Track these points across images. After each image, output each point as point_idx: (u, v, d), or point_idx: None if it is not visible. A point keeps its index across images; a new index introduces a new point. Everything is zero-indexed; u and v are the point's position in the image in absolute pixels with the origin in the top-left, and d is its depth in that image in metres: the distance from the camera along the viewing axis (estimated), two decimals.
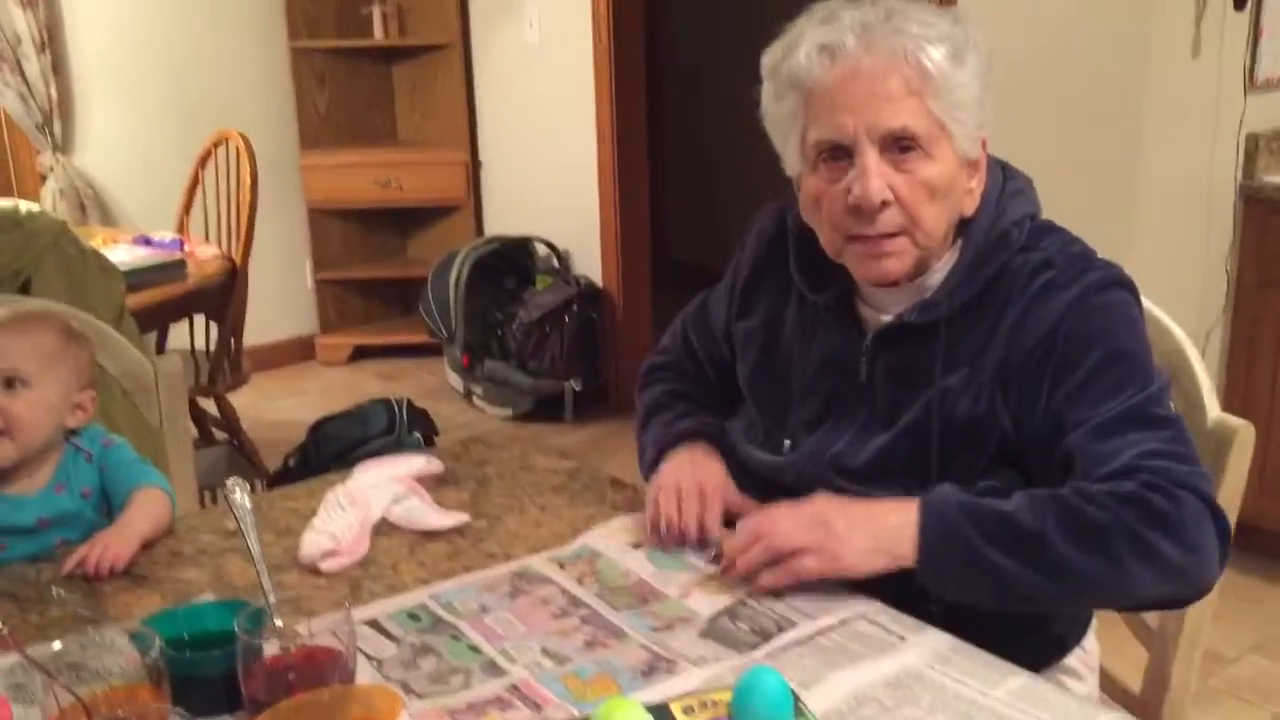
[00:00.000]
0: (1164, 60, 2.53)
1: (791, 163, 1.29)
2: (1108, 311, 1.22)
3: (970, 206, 1.26)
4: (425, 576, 1.28)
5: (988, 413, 1.22)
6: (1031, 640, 1.28)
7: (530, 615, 1.17)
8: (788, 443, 1.34)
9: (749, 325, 1.42)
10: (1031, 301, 1.22)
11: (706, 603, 1.18)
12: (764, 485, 1.35)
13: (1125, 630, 1.47)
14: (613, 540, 1.32)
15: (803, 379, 1.34)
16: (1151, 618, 1.43)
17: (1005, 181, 1.31)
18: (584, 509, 1.43)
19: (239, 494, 1.13)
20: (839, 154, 1.22)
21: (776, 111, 1.27)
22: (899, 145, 1.19)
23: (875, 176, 1.19)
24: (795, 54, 1.22)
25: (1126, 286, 1.25)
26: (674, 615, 1.16)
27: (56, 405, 1.41)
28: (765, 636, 1.12)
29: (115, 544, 1.31)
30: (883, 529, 1.17)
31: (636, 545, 1.31)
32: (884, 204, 1.20)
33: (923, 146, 1.20)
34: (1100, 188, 2.62)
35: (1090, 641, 1.40)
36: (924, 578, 1.17)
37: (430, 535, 1.38)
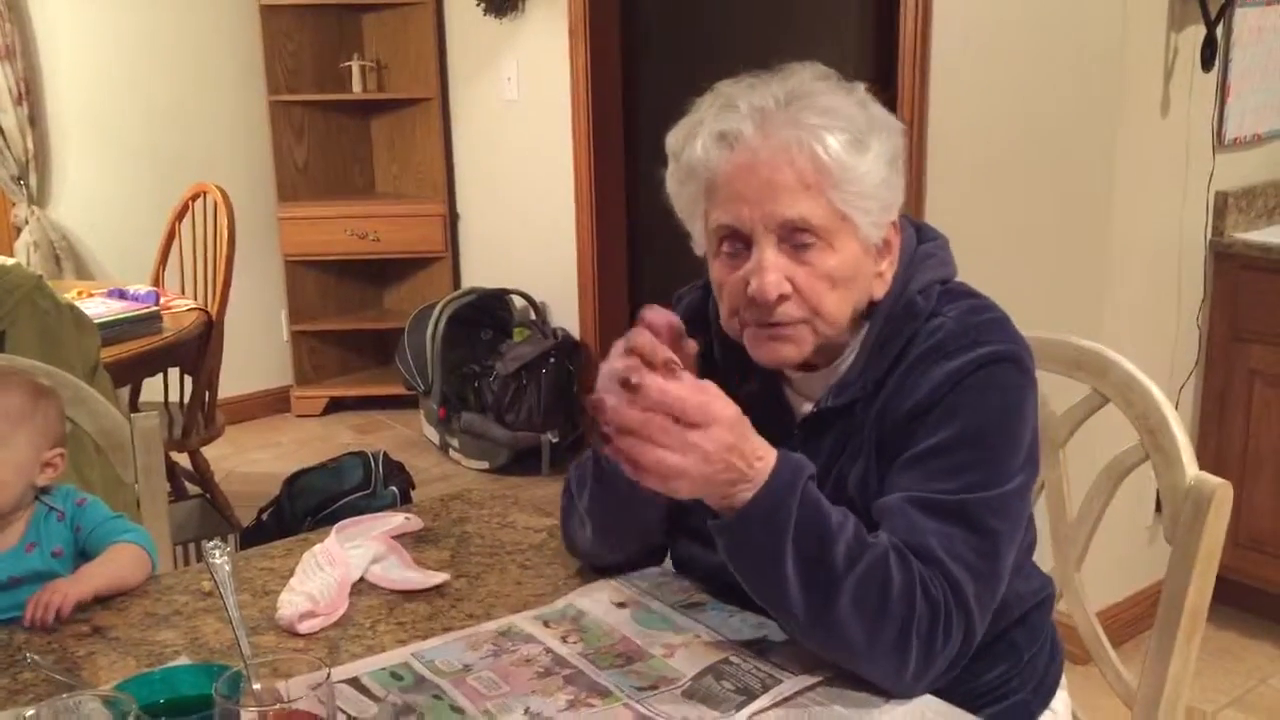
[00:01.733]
0: (1133, 119, 2.58)
1: (699, 244, 1.28)
2: (984, 390, 1.17)
3: (880, 290, 1.24)
4: (405, 637, 1.26)
5: (865, 484, 1.20)
6: (995, 709, 1.28)
7: (514, 674, 1.16)
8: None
9: None
10: (913, 366, 1.20)
11: (690, 662, 1.17)
12: (705, 580, 1.32)
13: (1100, 685, 1.47)
14: (597, 599, 1.31)
15: None
16: (1131, 676, 1.43)
17: (918, 245, 1.28)
18: (565, 567, 1.42)
19: (219, 556, 1.12)
20: (738, 243, 1.20)
21: (680, 194, 1.25)
22: (796, 237, 1.17)
23: (771, 270, 1.17)
24: (694, 143, 1.20)
25: (1018, 366, 1.20)
26: (658, 674, 1.15)
27: (26, 465, 1.39)
28: (750, 695, 1.11)
29: (64, 588, 1.30)
30: (727, 479, 1.08)
31: (621, 605, 1.29)
32: (782, 297, 1.18)
33: (822, 238, 1.17)
34: (1071, 246, 2.65)
35: (1059, 702, 1.40)
36: (716, 532, 1.11)
37: (410, 595, 1.36)
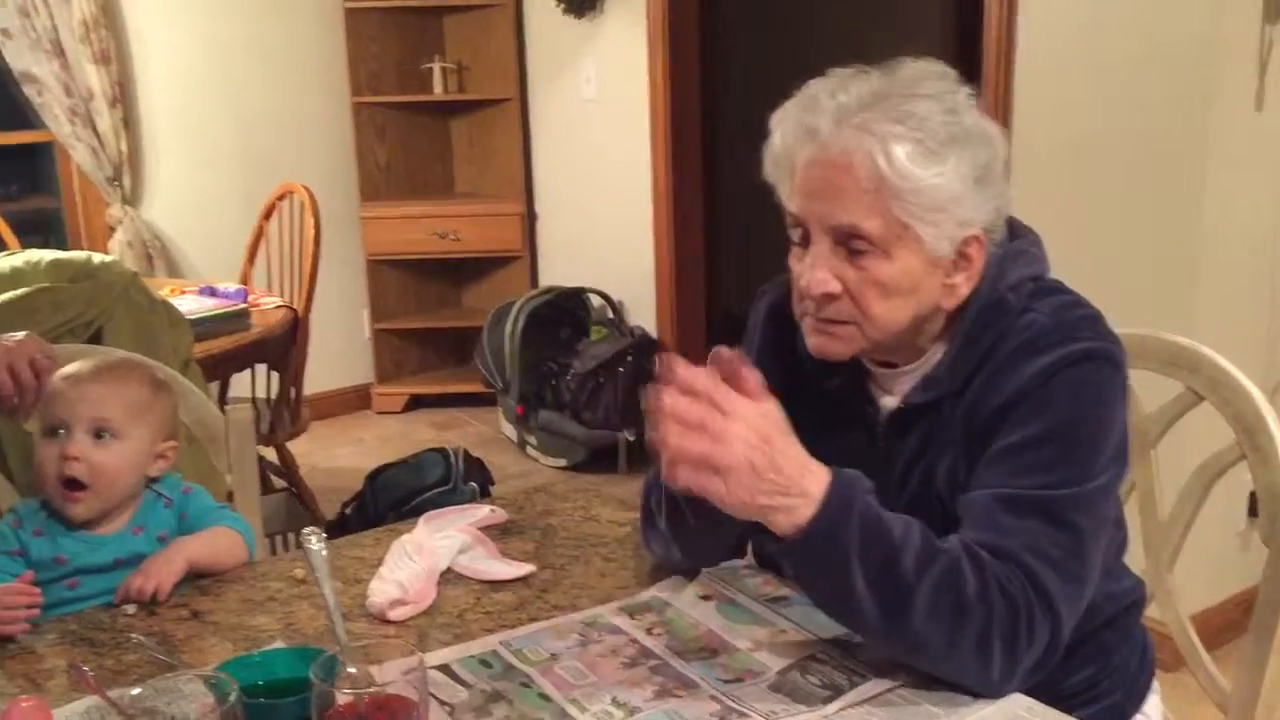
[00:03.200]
0: (1226, 112, 2.52)
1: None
2: (1076, 386, 1.16)
3: (951, 301, 1.22)
4: (492, 626, 1.28)
5: (953, 479, 1.19)
6: (1087, 711, 1.26)
7: (600, 665, 1.17)
8: None
9: None
10: (1006, 362, 1.19)
11: (777, 656, 1.17)
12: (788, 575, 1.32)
13: (1190, 695, 1.44)
14: (681, 592, 1.32)
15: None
16: (1225, 681, 1.40)
17: (1010, 241, 1.26)
18: (648, 560, 1.43)
19: (315, 542, 1.14)
20: (802, 234, 1.21)
21: (772, 173, 1.26)
22: (851, 243, 1.17)
23: (820, 269, 1.18)
24: (783, 127, 1.22)
25: (1111, 362, 1.18)
26: (744, 668, 1.16)
27: (141, 457, 1.43)
28: (837, 691, 1.11)
29: (158, 570, 1.34)
30: (779, 499, 1.06)
31: (706, 597, 1.30)
32: (830, 296, 1.18)
33: (877, 245, 1.16)
34: (1163, 241, 2.60)
35: (1152, 707, 1.37)
36: (780, 556, 1.12)
37: (496, 585, 1.38)
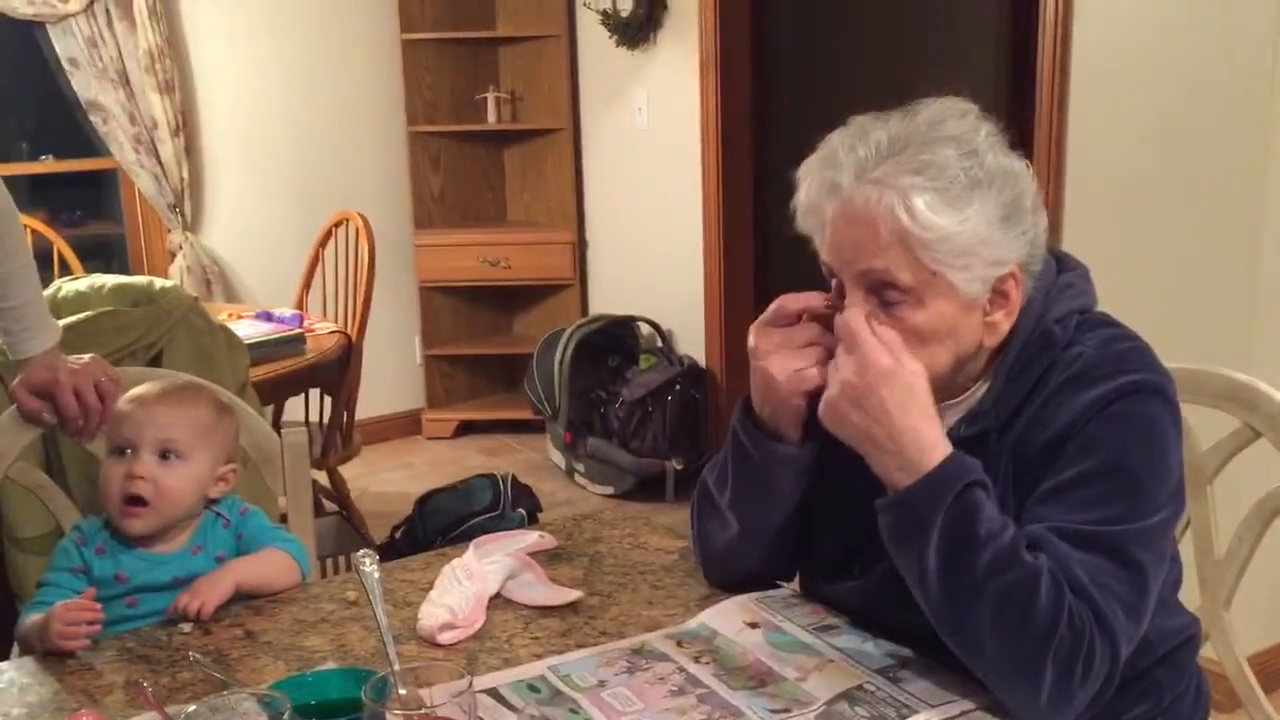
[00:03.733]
0: None
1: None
2: (1128, 420, 1.16)
3: (994, 338, 1.22)
4: (540, 651, 1.29)
5: (1002, 509, 1.18)
6: None
7: (648, 692, 1.17)
8: (858, 567, 1.31)
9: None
10: (1054, 395, 1.19)
11: (825, 686, 1.17)
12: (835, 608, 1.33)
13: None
14: (729, 620, 1.32)
15: (866, 501, 1.22)
16: None
17: (1058, 274, 1.26)
18: (696, 589, 1.43)
19: (369, 565, 1.16)
20: (837, 283, 1.22)
21: (805, 226, 1.27)
22: (883, 292, 1.18)
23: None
24: (807, 183, 1.23)
25: (1161, 395, 1.18)
26: (791, 697, 1.15)
27: (204, 478, 1.46)
28: None
29: (205, 590, 1.36)
30: (899, 451, 1.15)
31: (753, 625, 1.30)
32: None
33: (909, 294, 1.17)
34: (1219, 273, 2.57)
35: None
36: (878, 509, 1.17)
37: (545, 610, 1.39)
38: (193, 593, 1.37)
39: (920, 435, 1.15)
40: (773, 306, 1.27)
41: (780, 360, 1.24)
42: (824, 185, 1.20)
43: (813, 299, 1.25)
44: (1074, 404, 1.17)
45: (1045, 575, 1.10)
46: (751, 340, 1.27)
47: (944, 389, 1.24)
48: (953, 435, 1.23)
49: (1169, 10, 2.61)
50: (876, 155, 1.17)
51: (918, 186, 1.15)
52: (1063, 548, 1.12)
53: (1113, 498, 1.14)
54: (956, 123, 1.19)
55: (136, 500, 1.41)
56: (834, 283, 1.24)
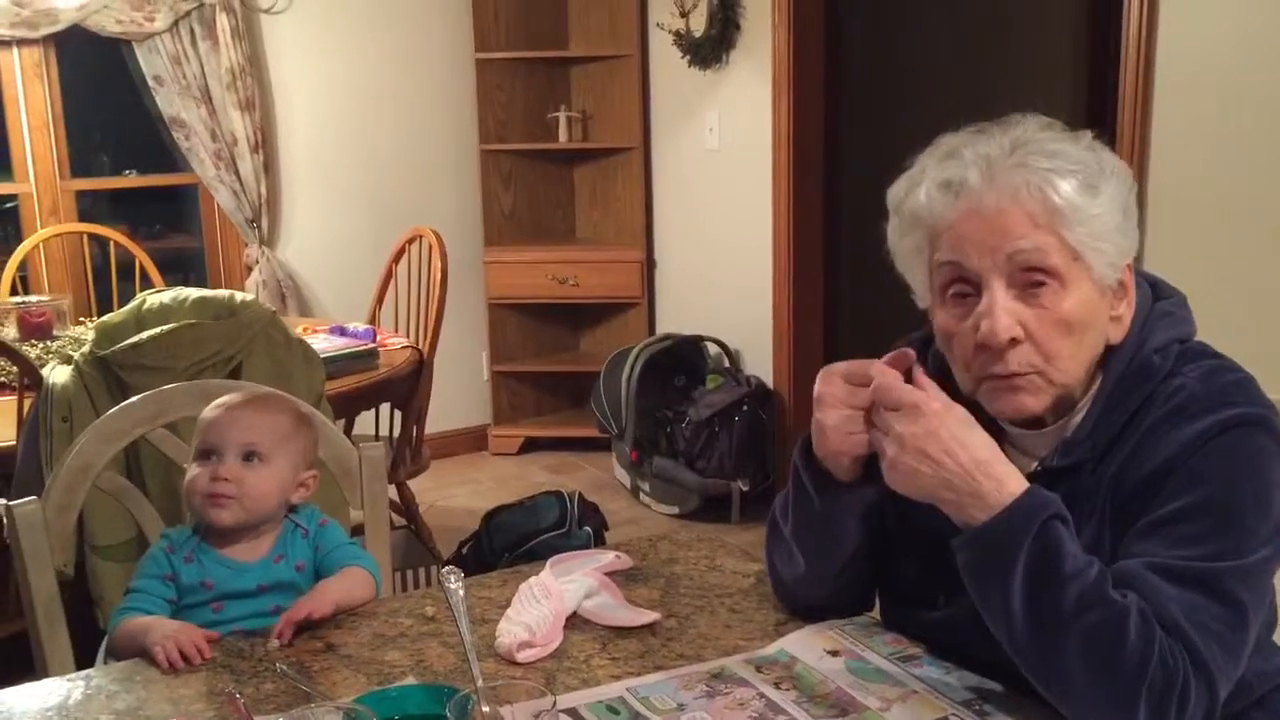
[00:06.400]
0: None
1: (921, 296, 1.27)
2: (1232, 454, 1.12)
3: (1118, 334, 1.21)
4: (618, 672, 1.28)
5: (1097, 548, 1.15)
6: None
7: (727, 717, 1.16)
8: (941, 598, 1.29)
9: None
10: (1155, 428, 1.15)
11: (907, 717, 1.15)
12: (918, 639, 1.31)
13: None
14: (809, 646, 1.30)
15: (948, 530, 1.19)
16: None
17: (1155, 302, 1.24)
18: (774, 613, 1.42)
19: (454, 582, 1.16)
20: (966, 289, 1.18)
21: (902, 248, 1.25)
22: (1029, 279, 1.15)
23: (1002, 313, 1.15)
24: (917, 192, 1.20)
25: (1267, 429, 1.14)
26: None
27: (285, 481, 1.51)
28: None
29: (309, 604, 1.38)
30: (974, 488, 1.12)
31: (834, 653, 1.28)
32: (1014, 341, 1.16)
33: (1055, 278, 1.15)
34: None
35: None
36: (955, 548, 1.14)
37: (622, 631, 1.38)
38: (297, 609, 1.39)
39: (991, 467, 1.13)
40: (854, 363, 1.23)
41: (838, 416, 1.21)
42: (947, 184, 1.18)
43: (891, 371, 1.20)
44: (1176, 438, 1.14)
45: (1134, 613, 1.07)
46: (818, 387, 1.24)
47: (1055, 404, 1.21)
48: (1045, 465, 1.21)
49: (1249, 21, 2.56)
50: (1002, 152, 1.17)
51: (1059, 169, 1.15)
52: (1159, 584, 1.09)
53: (1213, 534, 1.11)
54: (1059, 130, 1.21)
55: (221, 497, 1.46)
56: (958, 287, 1.20)
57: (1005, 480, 1.13)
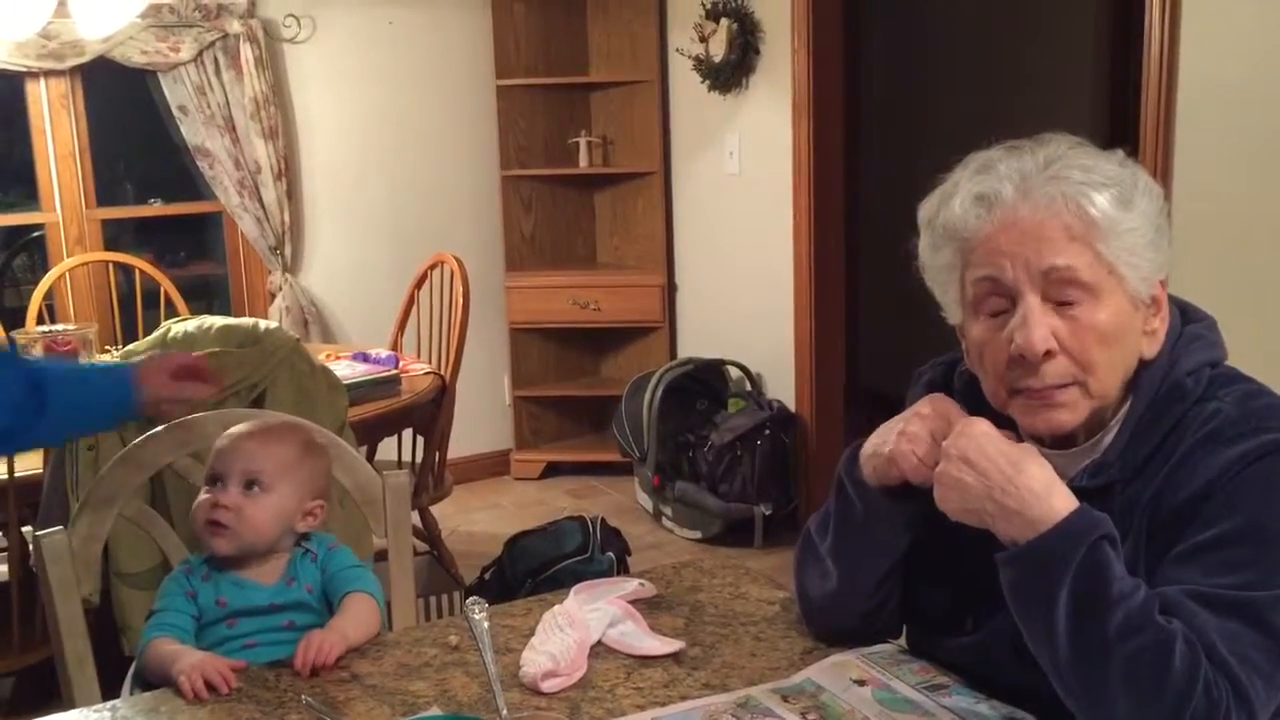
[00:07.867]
0: None
1: (952, 312, 1.27)
2: (1269, 480, 1.11)
3: (1152, 348, 1.20)
4: (643, 702, 1.28)
5: (1131, 568, 1.14)
6: None
7: None
8: (971, 621, 1.28)
9: None
10: (1191, 452, 1.14)
11: None
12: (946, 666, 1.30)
13: None
14: (835, 675, 1.29)
15: (978, 553, 1.20)
16: None
17: (1184, 325, 1.23)
18: (800, 642, 1.41)
19: (478, 613, 1.16)
20: (1000, 303, 1.18)
21: (934, 263, 1.25)
22: (1063, 292, 1.15)
23: (1038, 324, 1.15)
24: (950, 205, 1.20)
25: None
26: None
27: (288, 511, 1.53)
28: None
29: (324, 644, 1.38)
30: (1020, 503, 1.12)
31: (861, 683, 1.27)
32: (1049, 354, 1.15)
33: (1089, 291, 1.15)
34: None
35: None
36: (1000, 564, 1.14)
37: (646, 660, 1.38)
38: (308, 648, 1.38)
39: (1036, 480, 1.13)
40: (957, 406, 1.25)
41: (920, 426, 1.23)
42: (981, 197, 1.18)
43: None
44: (1212, 463, 1.13)
45: (1180, 640, 1.06)
46: (926, 406, 1.25)
47: (1088, 420, 1.20)
48: (1074, 486, 1.20)
49: (1272, 41, 2.55)
50: (1036, 166, 1.17)
51: (1095, 183, 1.15)
52: (1198, 612, 1.08)
53: (1252, 562, 1.09)
54: (1089, 146, 1.21)
55: (219, 524, 1.49)
56: (992, 302, 1.19)
57: (1053, 497, 1.12)
